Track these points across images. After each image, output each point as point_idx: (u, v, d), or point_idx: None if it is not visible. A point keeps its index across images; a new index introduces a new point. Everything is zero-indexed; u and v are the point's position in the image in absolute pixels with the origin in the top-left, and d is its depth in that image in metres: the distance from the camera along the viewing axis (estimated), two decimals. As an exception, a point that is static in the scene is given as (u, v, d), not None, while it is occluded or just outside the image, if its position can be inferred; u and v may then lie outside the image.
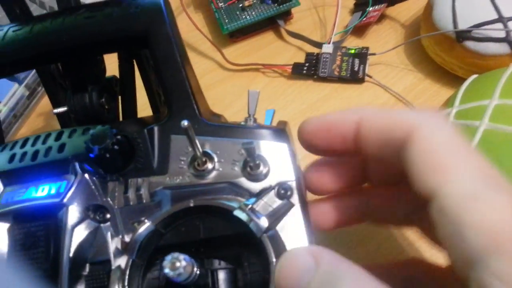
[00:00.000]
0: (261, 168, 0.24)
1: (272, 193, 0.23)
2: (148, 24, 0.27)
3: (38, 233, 0.23)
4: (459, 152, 0.20)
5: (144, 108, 0.37)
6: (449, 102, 0.38)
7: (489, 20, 0.41)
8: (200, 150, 0.24)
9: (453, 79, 0.45)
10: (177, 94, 0.26)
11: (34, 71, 0.54)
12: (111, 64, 0.35)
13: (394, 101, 0.47)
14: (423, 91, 0.47)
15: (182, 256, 0.20)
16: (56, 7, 0.32)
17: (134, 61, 0.34)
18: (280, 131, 0.25)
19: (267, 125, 0.27)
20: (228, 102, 0.49)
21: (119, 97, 0.35)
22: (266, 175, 0.24)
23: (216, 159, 0.25)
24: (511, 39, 0.40)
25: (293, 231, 0.23)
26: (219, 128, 0.25)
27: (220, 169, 0.25)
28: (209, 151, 0.25)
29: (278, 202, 0.23)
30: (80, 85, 0.31)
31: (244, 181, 0.24)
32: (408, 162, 0.20)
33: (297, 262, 0.21)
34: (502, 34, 0.40)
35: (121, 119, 0.35)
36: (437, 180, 0.19)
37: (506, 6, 0.41)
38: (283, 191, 0.24)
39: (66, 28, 0.28)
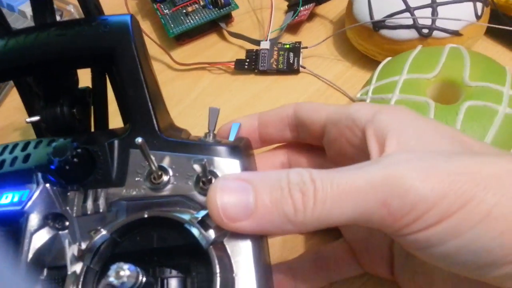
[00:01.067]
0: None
1: None
2: (115, 43, 0.28)
3: (-1, 239, 0.25)
4: (325, 104, 0.32)
5: (117, 115, 0.38)
6: (368, 81, 0.45)
7: (399, 10, 0.47)
8: (156, 164, 0.25)
9: (375, 65, 0.49)
10: (138, 111, 0.27)
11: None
12: (86, 75, 0.36)
13: (326, 87, 0.53)
14: (350, 77, 0.53)
15: (126, 266, 0.21)
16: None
17: (106, 74, 0.35)
18: (234, 148, 0.27)
19: (224, 141, 0.29)
20: (177, 99, 0.53)
21: (92, 107, 0.36)
22: None
23: (171, 173, 0.26)
24: (418, 25, 0.47)
25: (239, 244, 0.24)
26: (177, 144, 0.27)
27: (175, 182, 0.26)
28: (165, 166, 0.26)
29: None
30: (52, 96, 0.32)
31: (196, 195, 0.26)
32: (301, 119, 0.32)
33: (231, 186, 0.24)
34: (410, 22, 0.47)
35: (93, 128, 0.36)
36: (322, 113, 0.31)
37: (412, -1, 0.48)
38: None
39: (39, 44, 0.29)
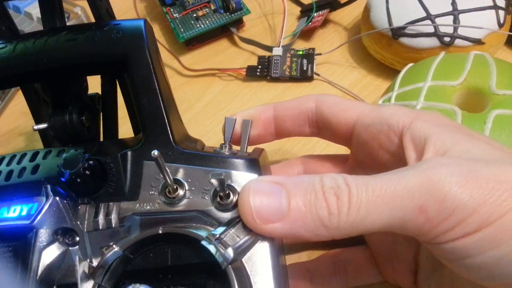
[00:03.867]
0: (231, 198, 0.25)
1: (240, 223, 0.24)
2: (128, 49, 0.28)
3: (6, 254, 0.24)
4: (351, 101, 0.31)
5: (126, 122, 0.38)
6: (389, 88, 0.44)
7: (419, 18, 0.47)
8: (171, 178, 0.25)
9: (392, 73, 0.50)
10: (152, 121, 0.27)
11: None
12: (95, 81, 0.36)
13: (342, 95, 0.52)
14: (366, 85, 0.53)
15: (142, 287, 0.20)
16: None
17: (117, 81, 0.35)
18: (252, 161, 0.26)
19: (241, 153, 0.28)
20: (187, 105, 0.53)
21: (101, 114, 0.36)
22: (235, 205, 0.25)
23: (187, 187, 0.26)
24: (439, 33, 0.46)
25: (259, 263, 0.24)
26: (192, 156, 0.26)
27: (191, 197, 0.25)
28: (181, 179, 0.26)
29: (245, 233, 0.24)
30: (61, 103, 0.32)
31: (213, 211, 0.25)
32: (325, 117, 0.31)
33: (265, 189, 0.24)
34: (431, 30, 0.46)
35: (102, 136, 0.36)
36: (351, 113, 0.30)
37: (432, 5, 0.47)
38: None
39: (48, 50, 0.28)
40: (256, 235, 0.24)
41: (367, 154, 0.30)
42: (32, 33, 0.30)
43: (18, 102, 0.57)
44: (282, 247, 0.28)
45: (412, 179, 0.22)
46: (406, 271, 0.32)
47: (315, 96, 0.32)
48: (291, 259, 0.38)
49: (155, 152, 0.23)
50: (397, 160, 0.27)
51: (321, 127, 0.32)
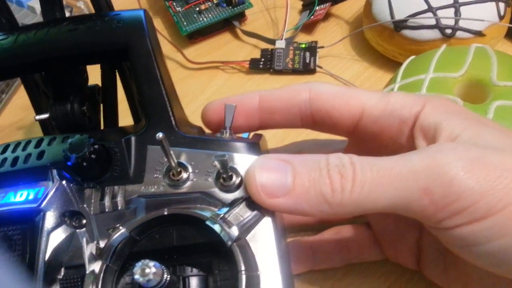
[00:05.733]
0: (234, 179, 0.27)
1: (244, 204, 0.26)
2: (129, 39, 0.29)
3: (15, 237, 0.26)
4: (350, 89, 0.31)
5: (126, 115, 0.40)
6: (392, 80, 0.46)
7: (421, 10, 0.49)
8: (175, 160, 0.26)
9: (394, 65, 0.51)
10: (155, 107, 0.29)
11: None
12: (94, 73, 0.37)
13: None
14: (368, 77, 0.55)
15: (152, 263, 0.22)
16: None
17: (116, 71, 0.37)
18: (253, 145, 0.28)
19: (242, 138, 0.30)
20: (190, 97, 0.55)
21: (101, 105, 0.37)
22: (238, 187, 0.27)
23: (190, 170, 0.27)
24: (441, 26, 0.48)
25: (263, 241, 0.25)
26: (195, 140, 0.28)
27: (194, 179, 0.27)
28: (184, 162, 0.27)
29: (249, 213, 0.26)
30: (62, 94, 0.33)
31: (217, 192, 0.27)
32: (325, 110, 0.30)
33: (271, 165, 0.25)
34: (433, 22, 0.48)
35: (102, 127, 0.37)
36: (355, 104, 0.29)
37: (434, -2, 0.49)
38: (254, 202, 0.26)
39: (50, 40, 0.30)
40: (259, 214, 0.26)
41: (376, 147, 0.31)
42: (33, 25, 0.32)
43: (20, 96, 0.59)
44: (284, 229, 0.29)
45: (418, 161, 0.23)
46: (408, 253, 0.34)
47: (307, 85, 0.31)
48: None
49: (160, 135, 0.24)
50: (406, 150, 0.27)
51: (317, 120, 0.31)
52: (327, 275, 0.38)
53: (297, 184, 0.24)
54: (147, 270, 0.22)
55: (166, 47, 0.59)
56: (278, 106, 0.32)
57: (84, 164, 0.26)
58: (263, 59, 0.57)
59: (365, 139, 0.31)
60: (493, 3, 0.48)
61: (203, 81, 0.57)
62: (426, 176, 0.23)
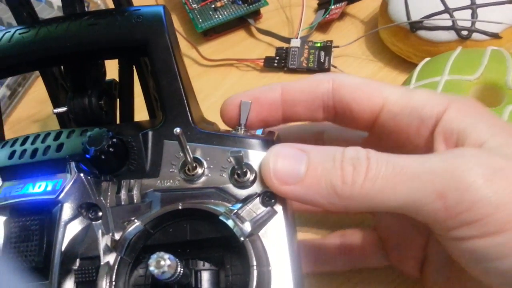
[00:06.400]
0: (248, 176, 0.27)
1: (257, 200, 0.26)
2: (149, 34, 0.30)
3: (32, 227, 0.26)
4: (375, 82, 0.29)
5: (140, 111, 0.41)
6: (406, 81, 0.47)
7: (438, 11, 0.49)
8: (191, 156, 0.27)
9: (409, 66, 0.52)
10: (172, 102, 0.29)
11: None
12: (111, 68, 0.38)
13: None
14: (383, 78, 0.55)
15: (167, 256, 0.22)
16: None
17: (134, 66, 0.37)
18: (268, 142, 0.28)
19: (256, 135, 0.30)
20: (204, 94, 0.56)
21: (118, 100, 0.38)
22: (252, 183, 0.27)
23: (205, 165, 0.28)
24: (457, 27, 0.49)
25: (275, 237, 0.26)
26: (211, 136, 0.28)
27: (209, 175, 0.28)
28: (200, 158, 0.28)
29: (262, 209, 0.26)
30: (80, 88, 0.34)
31: (231, 188, 0.27)
32: (346, 102, 0.29)
33: (287, 152, 0.25)
34: (449, 23, 0.49)
35: (118, 122, 0.38)
36: (376, 98, 0.28)
37: (451, -1, 0.50)
38: (267, 198, 0.26)
39: (70, 34, 0.31)
40: (272, 211, 0.26)
41: (393, 143, 0.29)
42: (53, 18, 0.32)
43: (36, 89, 0.61)
44: (295, 226, 0.30)
45: (437, 163, 0.22)
46: (413, 259, 0.33)
47: (330, 76, 0.30)
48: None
49: (177, 130, 0.25)
50: (423, 152, 0.26)
51: (338, 112, 0.30)
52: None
53: (310, 173, 0.24)
54: (162, 262, 0.22)
55: (182, 43, 0.59)
56: (301, 97, 0.31)
57: (102, 157, 0.27)
58: (277, 58, 0.57)
59: (382, 136, 0.30)
60: (511, 5, 0.48)
61: (217, 78, 0.58)
62: (443, 179, 0.22)
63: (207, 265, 0.27)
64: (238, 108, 0.31)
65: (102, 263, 0.26)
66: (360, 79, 0.30)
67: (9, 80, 0.58)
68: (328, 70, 0.56)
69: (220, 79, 0.58)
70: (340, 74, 0.32)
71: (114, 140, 0.27)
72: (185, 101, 0.29)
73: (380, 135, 0.30)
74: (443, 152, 0.24)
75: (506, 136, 0.24)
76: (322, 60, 0.56)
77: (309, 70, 0.56)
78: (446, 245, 0.24)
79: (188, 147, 0.26)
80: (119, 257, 0.26)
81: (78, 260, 0.26)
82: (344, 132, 0.35)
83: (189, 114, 0.29)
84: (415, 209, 0.23)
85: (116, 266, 0.25)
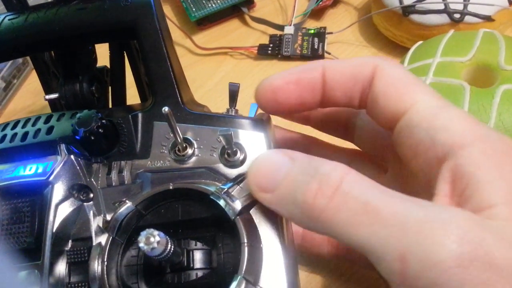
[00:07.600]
0: (238, 155, 0.27)
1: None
2: (137, 17, 0.30)
3: (24, 209, 0.26)
4: (416, 82, 0.25)
5: (132, 96, 0.41)
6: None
7: None
8: (181, 136, 0.27)
9: (402, 51, 0.51)
10: (161, 83, 0.29)
11: (9, 63, 0.59)
12: (103, 55, 0.38)
13: None
14: None
15: (156, 232, 0.22)
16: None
17: (124, 52, 0.37)
18: (259, 121, 0.28)
19: (247, 116, 0.30)
20: (199, 83, 0.56)
21: (110, 87, 0.38)
22: (242, 162, 0.27)
23: (195, 145, 0.28)
24: (450, 10, 0.48)
25: (266, 215, 0.26)
26: (200, 116, 0.29)
27: (199, 155, 0.28)
28: (190, 138, 0.28)
29: None
30: (72, 74, 0.34)
31: (221, 167, 0.27)
32: (375, 93, 0.26)
33: (274, 159, 0.24)
34: (441, 7, 0.49)
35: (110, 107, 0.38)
36: (406, 100, 0.24)
37: (443, -18, 0.49)
38: None
39: (59, 18, 0.31)
40: None
41: (402, 152, 0.26)
42: (42, 4, 0.33)
43: (31, 82, 0.61)
44: None
45: (413, 219, 0.19)
46: None
47: (375, 60, 0.26)
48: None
49: (166, 109, 0.25)
50: (425, 180, 0.23)
51: (370, 104, 0.27)
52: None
53: (285, 183, 0.23)
54: (152, 239, 0.22)
55: (175, 33, 0.60)
56: (341, 80, 0.27)
57: (92, 138, 0.27)
58: (271, 45, 0.58)
59: (397, 142, 0.26)
60: (503, -12, 0.48)
61: (212, 67, 0.58)
62: (411, 240, 0.19)
63: (199, 244, 0.27)
64: (275, 93, 0.28)
65: (94, 244, 0.26)
66: (402, 73, 0.25)
67: (4, 72, 0.58)
68: (322, 56, 0.56)
69: (214, 68, 0.58)
70: (387, 61, 0.26)
71: (104, 121, 0.27)
72: (174, 82, 0.29)
73: (396, 140, 0.26)
74: (435, 209, 0.20)
75: None
76: (316, 46, 0.56)
77: (303, 57, 0.56)
78: None
79: (177, 127, 0.26)
80: (111, 237, 0.26)
81: (70, 241, 0.27)
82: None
83: (178, 95, 0.29)
84: (374, 258, 0.20)
85: (108, 246, 0.25)
